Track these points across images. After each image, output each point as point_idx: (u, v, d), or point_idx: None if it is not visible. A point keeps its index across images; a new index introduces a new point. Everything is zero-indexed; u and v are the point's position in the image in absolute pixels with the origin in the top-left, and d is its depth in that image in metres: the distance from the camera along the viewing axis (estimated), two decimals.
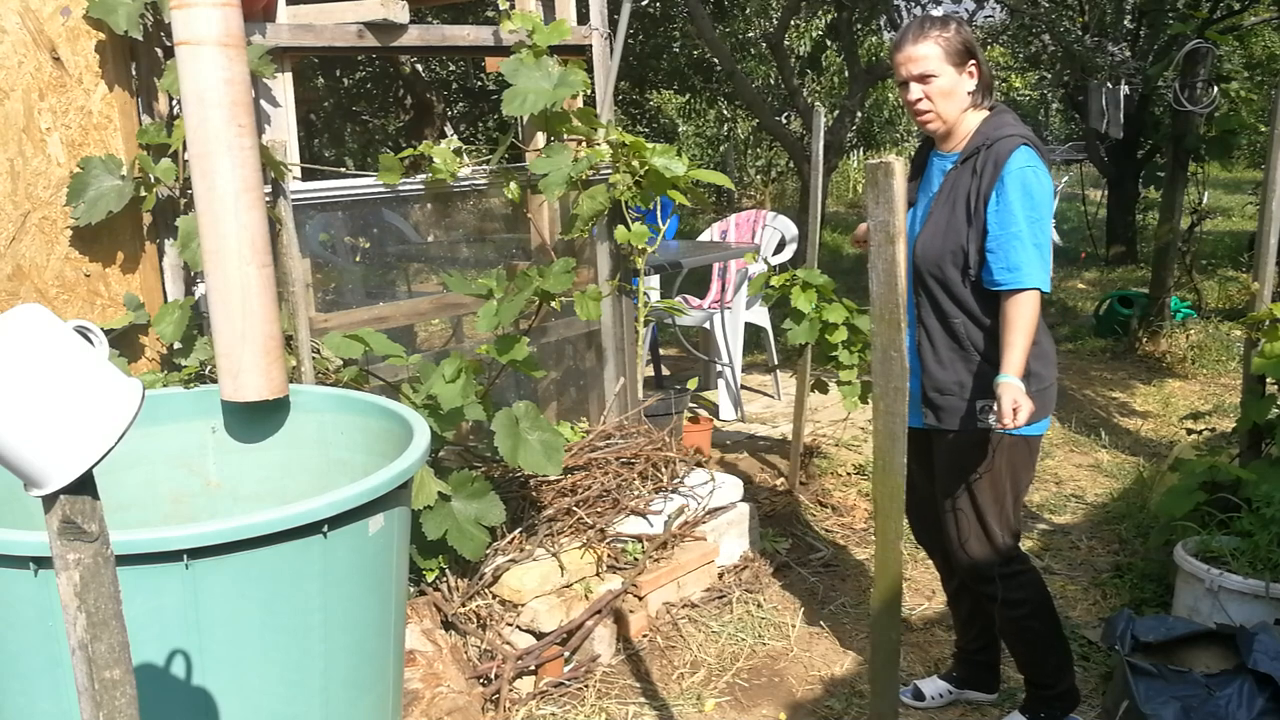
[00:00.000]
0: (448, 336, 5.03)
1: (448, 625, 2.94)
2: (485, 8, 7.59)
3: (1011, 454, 2.50)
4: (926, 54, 2.39)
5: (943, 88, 2.41)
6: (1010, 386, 2.31)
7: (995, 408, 2.33)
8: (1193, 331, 6.70)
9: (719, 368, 5.47)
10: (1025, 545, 3.75)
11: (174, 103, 2.88)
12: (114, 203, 2.73)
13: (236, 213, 2.17)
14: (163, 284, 2.96)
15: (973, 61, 2.42)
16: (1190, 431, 3.95)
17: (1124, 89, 7.12)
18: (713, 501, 3.64)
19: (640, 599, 3.24)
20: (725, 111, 15.29)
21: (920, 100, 2.43)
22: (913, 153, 2.77)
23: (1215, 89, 6.33)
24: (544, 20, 3.39)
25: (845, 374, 3.72)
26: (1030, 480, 2.62)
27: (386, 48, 3.20)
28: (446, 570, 3.02)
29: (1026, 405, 2.29)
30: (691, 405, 5.10)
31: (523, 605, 3.00)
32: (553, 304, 3.18)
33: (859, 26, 10.42)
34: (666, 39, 11.14)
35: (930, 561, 3.02)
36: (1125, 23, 9.16)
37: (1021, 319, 2.34)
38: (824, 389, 3.96)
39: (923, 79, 2.41)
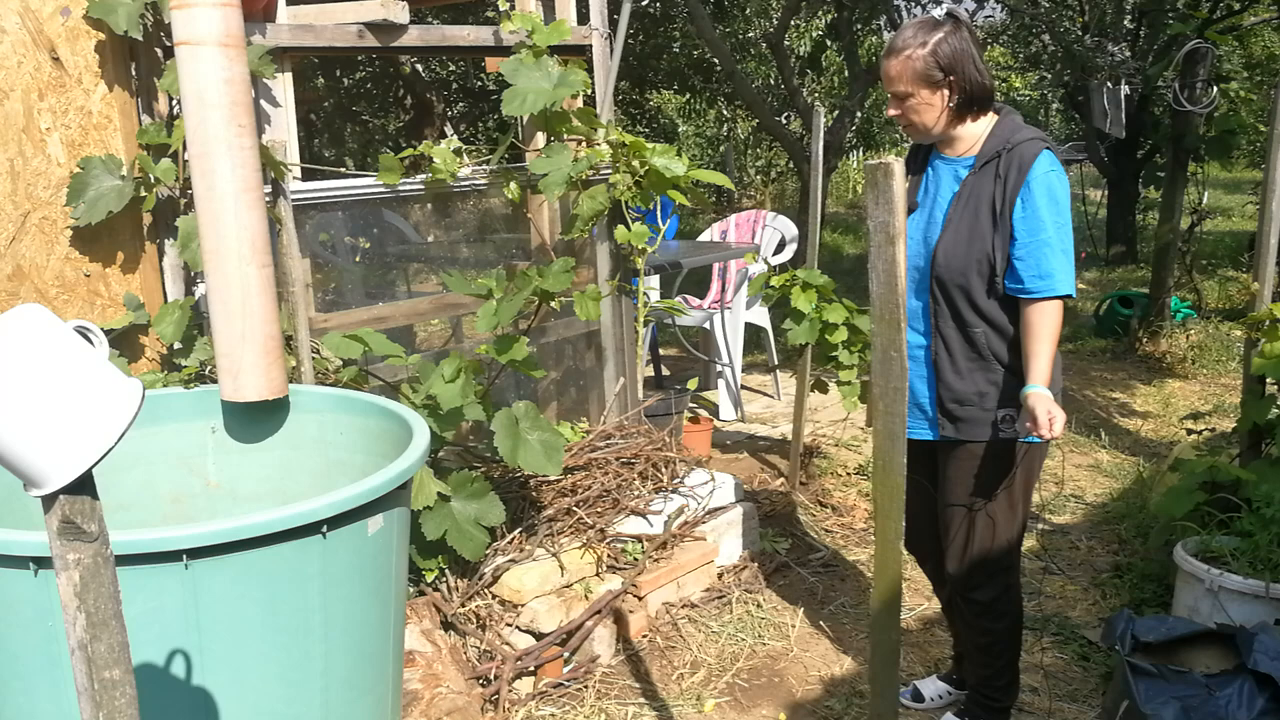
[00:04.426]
0: (447, 336, 5.03)
1: (447, 626, 2.94)
2: (485, 8, 7.59)
3: (1028, 463, 2.48)
4: (897, 73, 2.36)
5: (915, 106, 2.38)
6: (1042, 397, 2.28)
7: (1027, 418, 2.30)
8: (1193, 331, 6.70)
9: (719, 368, 5.47)
10: (1025, 545, 3.75)
11: (174, 103, 2.88)
12: (114, 203, 2.73)
13: (236, 213, 2.17)
14: (163, 284, 2.96)
15: (950, 79, 2.34)
16: (1190, 431, 3.95)
17: (1124, 89, 7.11)
18: (713, 501, 3.64)
19: (640, 599, 3.24)
20: (725, 111, 15.29)
21: (899, 115, 2.43)
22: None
23: (1215, 89, 6.33)
24: (544, 20, 3.39)
25: (845, 374, 3.72)
26: (1036, 486, 2.61)
27: (386, 48, 3.20)
28: (446, 570, 3.02)
29: (1060, 414, 2.27)
30: (691, 405, 5.10)
31: (522, 605, 3.00)
32: (552, 304, 3.18)
33: (859, 26, 10.42)
34: (666, 39, 11.14)
35: None
36: (1125, 23, 9.15)
37: (1048, 327, 2.32)
38: (824, 389, 3.96)
39: (896, 96, 2.39)
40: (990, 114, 2.43)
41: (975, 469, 2.49)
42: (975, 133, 2.42)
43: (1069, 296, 2.34)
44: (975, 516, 2.51)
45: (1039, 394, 2.29)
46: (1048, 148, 2.35)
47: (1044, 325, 2.33)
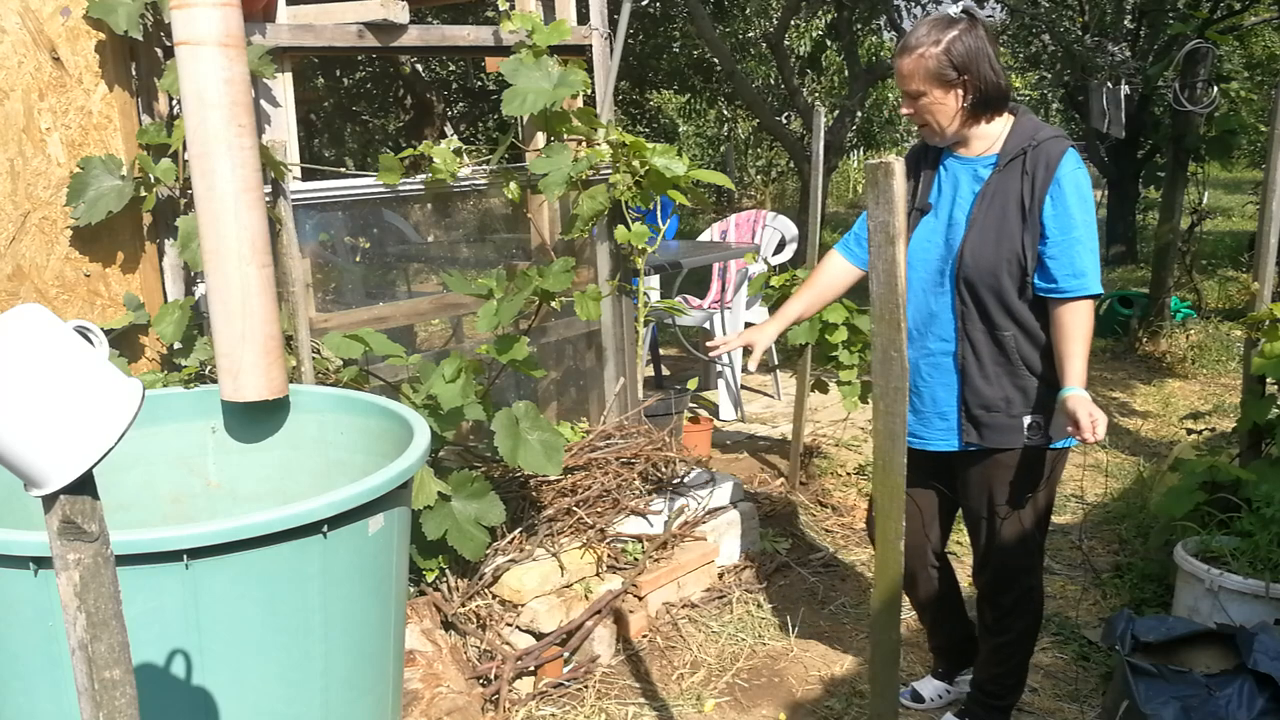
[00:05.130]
0: (448, 336, 5.03)
1: (448, 625, 2.94)
2: (485, 8, 7.59)
3: (1055, 469, 2.47)
4: (909, 71, 2.30)
5: (928, 106, 2.33)
6: (1083, 399, 2.24)
7: (1066, 422, 2.26)
8: (1193, 331, 6.71)
9: (719, 368, 5.47)
10: None
11: (174, 103, 2.88)
12: (114, 203, 2.73)
13: (236, 213, 2.17)
14: (163, 284, 2.96)
15: (964, 78, 2.28)
16: (1190, 431, 3.95)
17: (1124, 89, 7.12)
18: (713, 501, 3.64)
19: (640, 599, 3.24)
20: (725, 111, 15.29)
21: (912, 114, 2.38)
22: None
23: (1215, 89, 6.33)
24: (544, 20, 3.39)
25: (845, 374, 3.72)
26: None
27: (386, 48, 3.20)
28: (446, 570, 3.02)
29: (1102, 417, 2.22)
30: (691, 405, 5.11)
31: (523, 605, 3.00)
32: (553, 304, 3.18)
33: (859, 26, 10.42)
34: (666, 39, 11.15)
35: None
36: (1125, 23, 9.16)
37: (1082, 327, 2.28)
38: (824, 389, 3.97)
39: (909, 95, 2.35)
40: (1006, 115, 2.38)
41: (1003, 478, 2.45)
42: (992, 133, 2.37)
43: (1098, 296, 2.31)
44: (1000, 524, 2.49)
45: (1079, 396, 2.25)
46: (1072, 146, 2.32)
47: (1078, 325, 2.29)
